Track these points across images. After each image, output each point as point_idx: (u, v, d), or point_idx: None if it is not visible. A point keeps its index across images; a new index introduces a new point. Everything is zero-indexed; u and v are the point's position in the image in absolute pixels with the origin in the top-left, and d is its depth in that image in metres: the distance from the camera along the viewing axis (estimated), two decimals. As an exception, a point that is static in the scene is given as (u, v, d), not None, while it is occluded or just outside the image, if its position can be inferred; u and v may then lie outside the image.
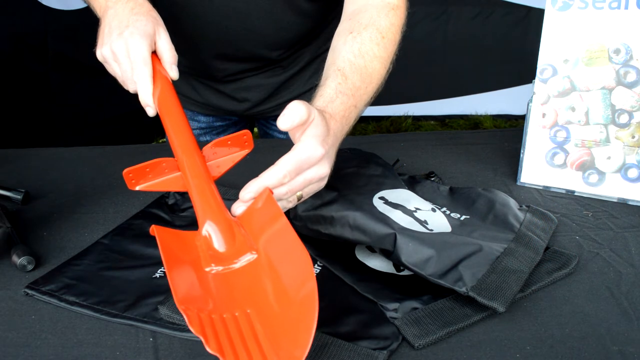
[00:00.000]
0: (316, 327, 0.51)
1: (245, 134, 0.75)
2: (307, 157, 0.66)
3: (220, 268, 0.64)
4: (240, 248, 0.65)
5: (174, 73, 0.79)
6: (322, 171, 0.68)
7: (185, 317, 0.54)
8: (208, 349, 0.52)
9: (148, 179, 0.72)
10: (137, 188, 0.72)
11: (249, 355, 0.53)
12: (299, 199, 0.69)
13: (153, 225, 0.66)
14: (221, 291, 0.62)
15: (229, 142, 0.75)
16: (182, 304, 0.55)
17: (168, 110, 0.76)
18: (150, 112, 0.77)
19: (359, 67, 0.77)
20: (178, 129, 0.74)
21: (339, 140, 0.74)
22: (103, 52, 0.79)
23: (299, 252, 0.57)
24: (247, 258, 0.64)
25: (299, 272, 0.57)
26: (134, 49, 0.75)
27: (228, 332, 0.55)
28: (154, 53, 0.79)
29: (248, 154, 0.77)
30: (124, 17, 0.78)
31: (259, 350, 0.54)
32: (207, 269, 0.64)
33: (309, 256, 0.56)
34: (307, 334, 0.51)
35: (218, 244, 0.66)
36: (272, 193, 0.65)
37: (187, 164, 0.71)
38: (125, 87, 0.80)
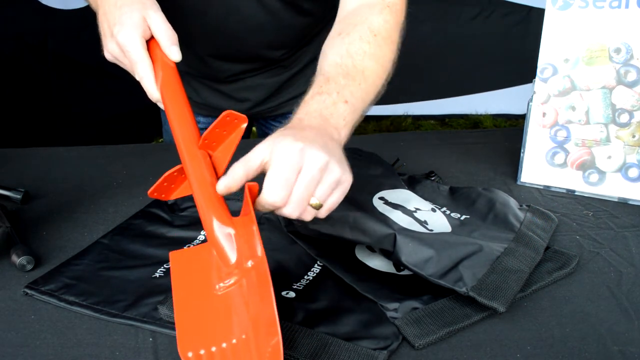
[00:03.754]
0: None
1: (228, 115, 0.68)
2: (285, 158, 0.59)
3: (222, 285, 0.62)
4: (239, 259, 0.63)
5: (174, 55, 0.75)
6: (316, 163, 0.59)
7: None
8: None
9: (172, 189, 0.72)
10: (172, 197, 0.72)
11: None
12: (317, 207, 0.61)
13: (170, 252, 0.66)
14: (225, 313, 0.60)
15: (218, 130, 0.70)
16: (183, 350, 0.55)
17: (170, 99, 0.73)
18: (162, 106, 0.75)
19: (345, 67, 0.73)
20: (180, 123, 0.72)
21: (330, 133, 0.66)
22: (106, 56, 0.79)
23: (260, 263, 0.57)
24: (245, 267, 0.62)
25: (262, 288, 0.56)
26: (126, 48, 0.74)
27: None
28: (153, 39, 0.76)
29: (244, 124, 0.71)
30: (110, 15, 0.77)
31: None
32: (215, 289, 0.62)
33: (267, 272, 0.55)
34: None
35: (224, 258, 0.63)
36: (254, 188, 0.62)
37: (190, 172, 0.69)
38: None
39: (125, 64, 0.77)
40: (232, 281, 0.62)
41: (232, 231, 0.64)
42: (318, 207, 0.61)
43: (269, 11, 1.01)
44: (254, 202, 0.62)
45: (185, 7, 1.00)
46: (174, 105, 0.73)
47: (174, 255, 0.66)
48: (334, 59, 0.74)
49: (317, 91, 0.70)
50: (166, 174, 0.70)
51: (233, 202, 0.89)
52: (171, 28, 0.76)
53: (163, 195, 0.71)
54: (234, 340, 0.57)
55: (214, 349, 0.56)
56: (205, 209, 0.66)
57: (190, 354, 0.55)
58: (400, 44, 0.82)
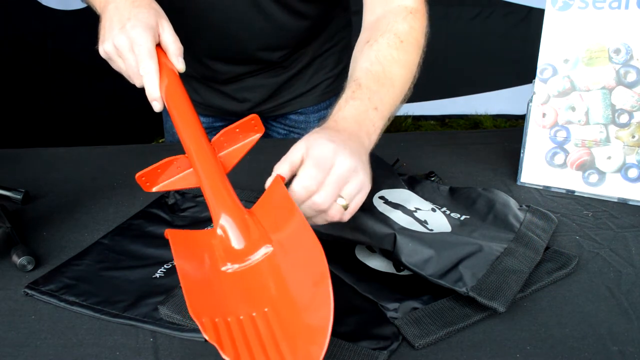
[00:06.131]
0: (333, 323, 0.50)
1: (253, 118, 0.73)
2: (320, 154, 0.63)
3: (236, 266, 0.63)
4: (256, 242, 0.64)
5: (180, 65, 0.77)
6: (346, 164, 0.63)
7: (199, 325, 0.53)
8: (224, 356, 0.51)
9: (162, 179, 0.72)
10: (154, 189, 0.72)
11: (266, 357, 0.52)
12: (345, 208, 0.64)
13: (167, 230, 0.66)
14: (238, 290, 0.61)
15: (238, 130, 0.73)
16: (196, 312, 0.54)
17: (176, 103, 0.74)
18: (157, 107, 0.75)
19: (375, 73, 0.76)
20: (187, 123, 0.73)
21: (362, 139, 0.69)
22: (105, 47, 0.78)
23: (311, 242, 0.55)
24: (263, 252, 0.63)
25: (313, 264, 0.55)
26: (138, 42, 0.74)
27: (245, 336, 0.54)
28: (159, 46, 0.78)
29: (257, 142, 0.75)
30: (124, 10, 0.77)
31: (276, 351, 0.52)
32: (224, 269, 0.63)
33: (320, 247, 0.54)
34: (323, 330, 0.50)
35: (235, 240, 0.64)
36: (283, 179, 0.63)
37: (198, 160, 0.70)
38: (132, 82, 0.79)
39: (127, 58, 0.76)
40: (246, 262, 0.62)
41: (246, 215, 0.65)
42: (345, 207, 0.64)
43: (267, 14, 1.01)
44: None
45: (185, 10, 1.00)
46: (180, 109, 0.74)
47: (171, 233, 0.66)
48: (365, 65, 0.77)
49: (350, 96, 0.73)
50: (164, 160, 0.71)
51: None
52: (179, 41, 0.78)
53: (148, 184, 0.72)
54: (254, 314, 0.57)
55: (229, 319, 0.56)
56: (211, 192, 0.68)
57: (204, 320, 0.54)
58: (425, 47, 0.86)
